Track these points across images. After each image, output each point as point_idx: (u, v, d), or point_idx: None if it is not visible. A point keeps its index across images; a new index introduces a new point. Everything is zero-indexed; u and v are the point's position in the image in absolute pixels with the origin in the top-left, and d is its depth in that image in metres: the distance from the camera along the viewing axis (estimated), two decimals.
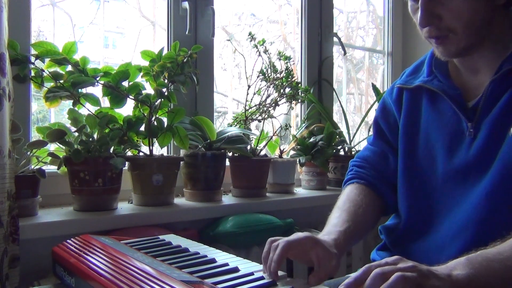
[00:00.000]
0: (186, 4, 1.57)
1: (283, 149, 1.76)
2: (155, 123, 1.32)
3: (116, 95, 1.27)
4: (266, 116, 1.61)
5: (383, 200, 1.04)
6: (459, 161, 0.89)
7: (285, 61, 1.61)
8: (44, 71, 1.21)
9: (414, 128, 0.99)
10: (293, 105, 1.71)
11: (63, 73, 1.23)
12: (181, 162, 1.42)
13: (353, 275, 0.63)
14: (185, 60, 1.32)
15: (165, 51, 1.33)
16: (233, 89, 1.95)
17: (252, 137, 1.60)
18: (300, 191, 1.77)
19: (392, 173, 1.03)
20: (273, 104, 1.61)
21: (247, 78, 1.58)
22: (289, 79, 1.61)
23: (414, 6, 0.89)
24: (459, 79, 0.94)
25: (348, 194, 1.02)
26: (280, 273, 0.74)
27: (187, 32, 1.58)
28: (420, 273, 0.61)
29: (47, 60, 1.20)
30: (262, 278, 0.72)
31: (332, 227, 0.91)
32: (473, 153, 0.86)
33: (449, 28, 0.84)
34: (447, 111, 0.93)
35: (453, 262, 0.68)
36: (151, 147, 1.33)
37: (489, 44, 0.87)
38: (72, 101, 1.23)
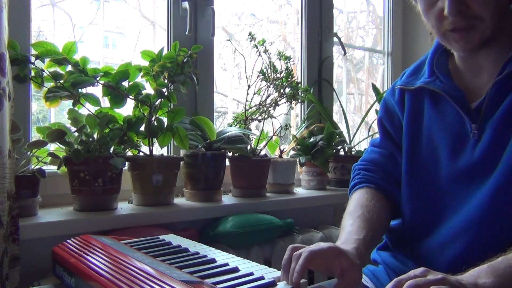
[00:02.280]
0: (186, 4, 1.57)
1: (283, 149, 1.76)
2: (155, 123, 1.32)
3: (116, 95, 1.27)
4: (266, 116, 1.61)
5: (393, 202, 1.02)
6: (464, 163, 0.88)
7: (285, 61, 1.61)
8: (44, 71, 1.21)
9: (417, 129, 0.98)
10: (293, 105, 1.71)
11: (63, 73, 1.23)
12: (181, 162, 1.42)
13: None
14: (185, 60, 1.32)
15: (165, 51, 1.33)
16: (233, 89, 1.95)
17: (252, 137, 1.60)
18: (300, 191, 1.77)
19: (401, 174, 1.01)
20: (273, 104, 1.61)
21: (247, 78, 1.58)
22: (289, 79, 1.61)
23: (429, 1, 0.86)
24: (460, 80, 0.94)
25: (359, 200, 0.99)
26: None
27: (187, 32, 1.58)
28: (451, 285, 0.61)
29: (47, 60, 1.20)
30: (262, 278, 0.72)
31: (349, 234, 0.87)
32: (477, 155, 0.86)
33: (476, 16, 0.82)
34: (450, 112, 0.92)
35: (475, 269, 0.67)
36: (151, 147, 1.33)
37: (494, 44, 0.86)
38: (72, 101, 1.23)
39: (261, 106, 1.60)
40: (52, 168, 1.25)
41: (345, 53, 2.18)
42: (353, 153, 1.92)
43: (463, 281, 0.64)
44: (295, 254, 0.74)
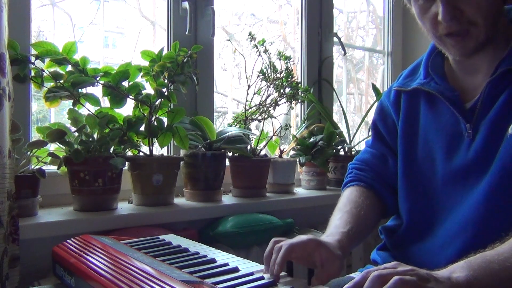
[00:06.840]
0: (186, 4, 1.57)
1: (283, 149, 1.76)
2: (155, 123, 1.32)
3: (116, 95, 1.27)
4: (266, 116, 1.61)
5: (383, 202, 1.03)
6: (459, 163, 0.89)
7: (285, 61, 1.61)
8: (44, 71, 1.21)
9: (413, 130, 0.99)
10: (293, 105, 1.71)
11: (63, 73, 1.23)
12: (181, 162, 1.42)
13: (352, 280, 0.63)
14: (185, 60, 1.32)
15: (165, 51, 1.33)
16: (233, 89, 1.96)
17: (252, 137, 1.60)
18: (300, 191, 1.77)
19: (391, 175, 1.03)
20: (273, 104, 1.61)
21: (247, 78, 1.58)
22: (289, 79, 1.61)
23: (423, 6, 0.86)
24: (455, 80, 0.94)
25: (348, 196, 1.01)
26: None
27: (187, 32, 1.58)
28: (418, 276, 0.62)
29: (47, 60, 1.20)
30: (262, 278, 0.72)
31: (335, 228, 0.90)
32: (472, 154, 0.87)
33: (470, 21, 0.82)
34: (445, 112, 0.93)
35: (453, 265, 0.68)
36: (151, 147, 1.33)
37: (488, 45, 0.86)
38: (72, 101, 1.23)
39: (261, 106, 1.60)
40: (52, 168, 1.25)
41: (345, 53, 2.18)
42: (353, 153, 1.92)
43: (437, 275, 0.64)
44: (276, 247, 0.77)
